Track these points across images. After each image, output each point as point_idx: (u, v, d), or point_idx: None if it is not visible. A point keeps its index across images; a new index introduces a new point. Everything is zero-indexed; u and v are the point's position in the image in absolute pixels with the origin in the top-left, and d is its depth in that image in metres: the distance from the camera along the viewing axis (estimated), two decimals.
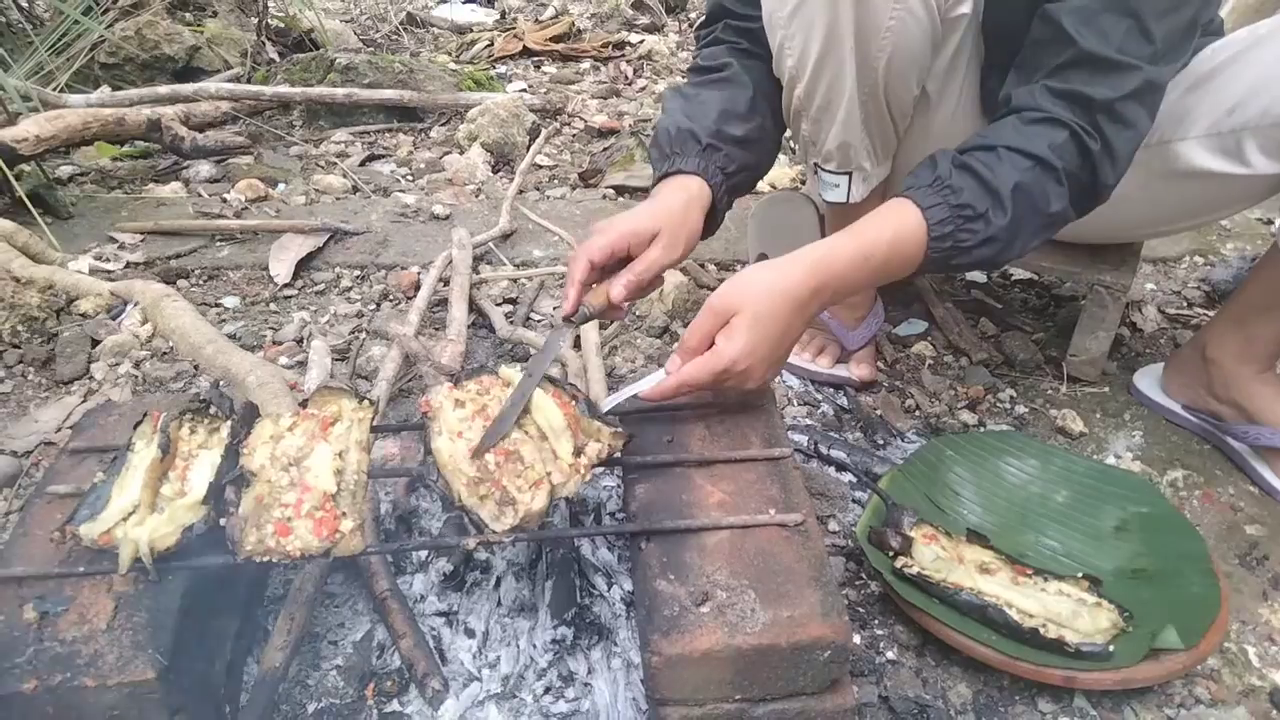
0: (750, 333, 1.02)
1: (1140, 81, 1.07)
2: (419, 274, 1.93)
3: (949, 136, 1.42)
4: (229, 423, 1.02)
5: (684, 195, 1.22)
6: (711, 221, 1.29)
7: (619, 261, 1.16)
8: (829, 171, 1.38)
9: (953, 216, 1.05)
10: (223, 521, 0.90)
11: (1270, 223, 2.21)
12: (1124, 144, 1.09)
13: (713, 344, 1.04)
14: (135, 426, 1.02)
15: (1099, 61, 1.06)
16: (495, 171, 2.61)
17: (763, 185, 2.43)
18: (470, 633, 1.08)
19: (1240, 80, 1.22)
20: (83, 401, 1.55)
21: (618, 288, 1.12)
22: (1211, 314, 1.78)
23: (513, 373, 1.06)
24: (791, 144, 2.70)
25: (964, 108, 1.38)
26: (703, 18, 1.48)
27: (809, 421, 1.51)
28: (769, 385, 1.10)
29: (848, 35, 1.18)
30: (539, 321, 1.81)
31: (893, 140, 1.37)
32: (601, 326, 1.68)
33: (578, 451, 0.99)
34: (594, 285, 1.14)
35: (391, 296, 1.90)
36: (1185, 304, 1.90)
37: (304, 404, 1.04)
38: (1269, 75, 1.20)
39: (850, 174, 1.37)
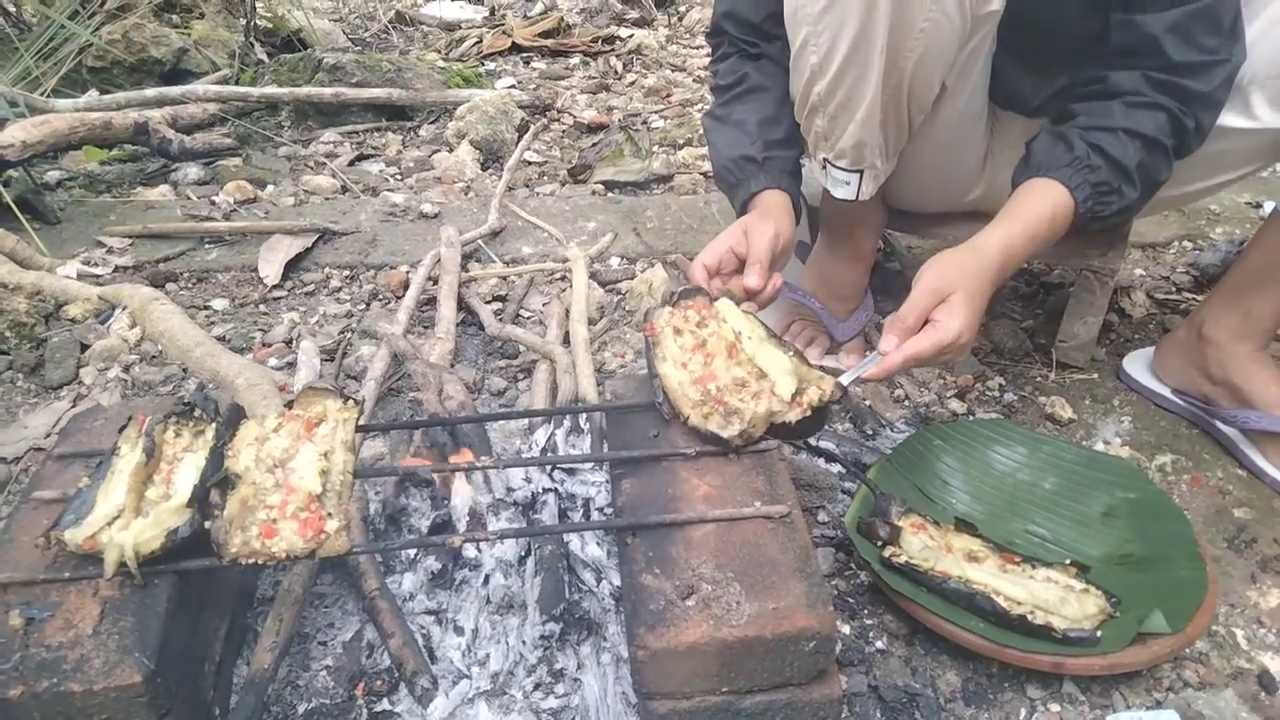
0: (967, 308, 1.12)
1: (1227, 71, 1.19)
2: (408, 273, 1.93)
3: (957, 127, 1.42)
4: (214, 425, 1.02)
5: (761, 208, 1.36)
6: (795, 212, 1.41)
7: (737, 270, 1.28)
8: (840, 169, 1.36)
9: (1094, 193, 1.20)
10: (208, 524, 0.90)
11: (1258, 206, 2.21)
12: (1211, 121, 1.23)
13: (926, 321, 1.13)
14: (120, 430, 1.02)
15: (1192, 65, 1.18)
16: (484, 169, 2.61)
17: None
18: (459, 630, 1.08)
19: (1247, 33, 1.23)
20: (72, 406, 1.55)
21: (751, 277, 1.24)
22: (1200, 298, 1.78)
23: (727, 305, 1.16)
24: None
25: (975, 97, 1.38)
26: (706, 30, 1.50)
27: None
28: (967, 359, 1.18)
29: (881, 35, 1.17)
30: (528, 318, 1.81)
31: (905, 138, 1.36)
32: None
33: (798, 394, 1.06)
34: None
35: (381, 296, 1.90)
36: (1174, 289, 1.90)
37: (289, 405, 1.04)
38: (1273, 28, 1.21)
39: (862, 172, 1.35)
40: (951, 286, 1.13)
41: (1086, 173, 1.19)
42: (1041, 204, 1.20)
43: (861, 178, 1.36)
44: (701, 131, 1.57)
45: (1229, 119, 1.26)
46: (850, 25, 1.17)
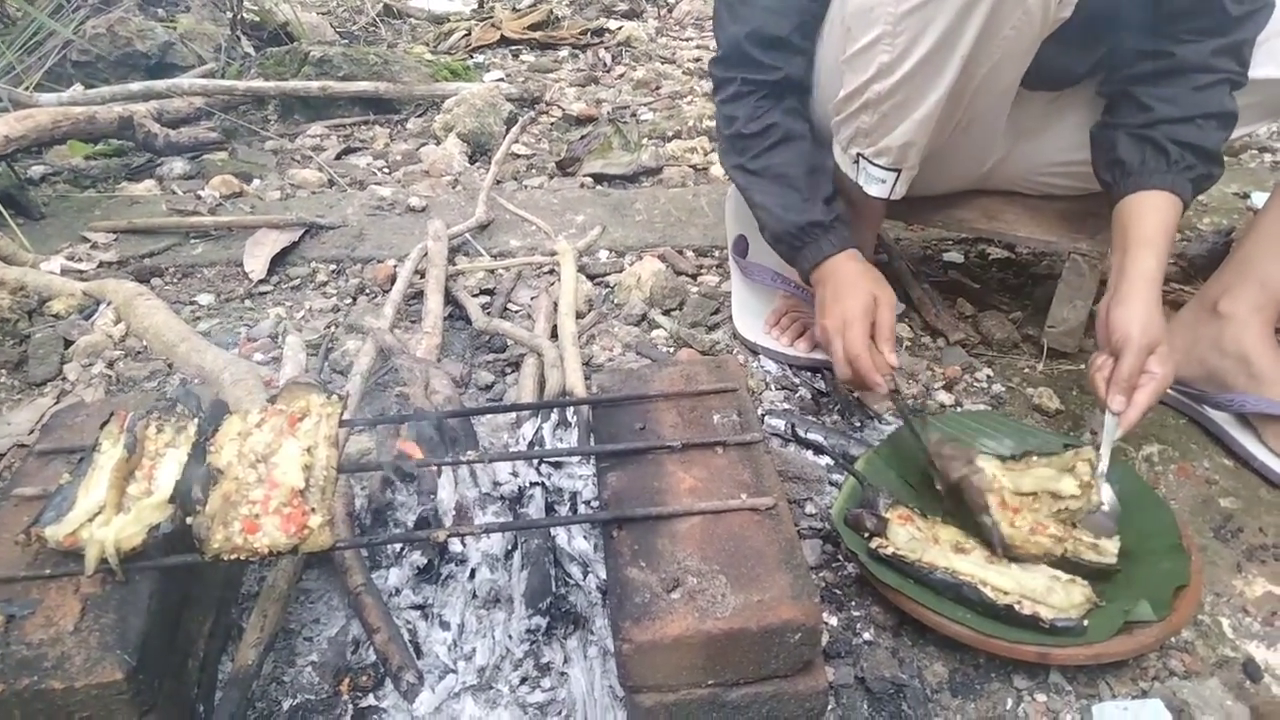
0: (1171, 355, 1.24)
1: (1270, 12, 1.28)
2: (395, 267, 1.92)
3: (986, 117, 1.43)
4: (196, 420, 1.02)
5: (863, 267, 1.43)
6: None
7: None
8: (878, 166, 1.35)
9: (1195, 187, 1.30)
10: (190, 520, 0.90)
11: (1246, 196, 2.22)
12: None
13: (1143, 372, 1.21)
14: (102, 426, 1.01)
15: (1244, 18, 1.26)
16: (472, 162, 2.60)
17: None
18: (445, 625, 1.08)
19: None
20: (56, 403, 1.54)
21: (891, 356, 1.35)
22: (1189, 289, 1.78)
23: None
24: None
25: (1011, 88, 1.39)
26: (719, 54, 1.48)
27: (786, 405, 1.51)
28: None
29: (968, 41, 1.16)
30: (516, 312, 1.80)
31: (943, 139, 1.36)
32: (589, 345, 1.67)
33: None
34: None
35: (367, 290, 1.89)
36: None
37: (272, 400, 1.04)
38: None
39: (900, 171, 1.35)
40: (1156, 340, 1.21)
41: (1186, 173, 1.28)
42: (1163, 217, 1.27)
43: (898, 177, 1.36)
44: (736, 186, 1.56)
45: (1256, 71, 1.31)
46: (937, 27, 1.15)
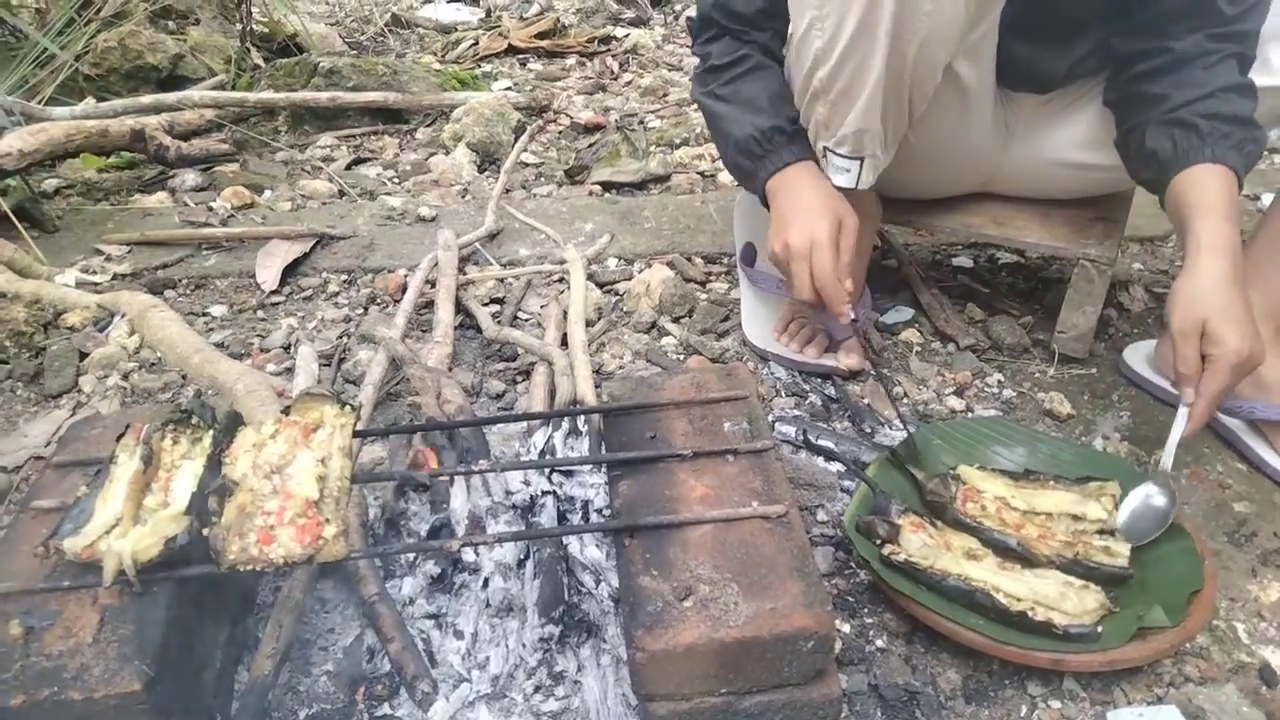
0: (1230, 327, 1.12)
1: (1268, 4, 1.26)
2: (405, 277, 1.93)
3: (966, 112, 1.44)
4: (211, 432, 1.02)
5: (817, 179, 1.38)
6: None
7: None
8: (841, 155, 1.37)
9: (1241, 156, 1.22)
10: (206, 531, 0.90)
11: (1256, 199, 2.21)
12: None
13: (1203, 358, 1.13)
14: (117, 439, 1.02)
15: (1243, 13, 1.24)
16: (481, 171, 2.61)
17: None
18: (459, 634, 1.08)
19: None
20: (72, 415, 1.55)
21: (845, 306, 1.31)
22: None
23: (968, 472, 1.26)
24: None
25: (984, 81, 1.39)
26: (693, 20, 1.50)
27: (797, 412, 1.51)
28: (1263, 347, 1.18)
29: (886, 17, 1.17)
30: (526, 321, 1.81)
31: (904, 127, 1.37)
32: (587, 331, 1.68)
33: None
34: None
35: (379, 300, 1.90)
36: (1171, 282, 1.89)
37: (286, 411, 1.04)
38: None
39: (862, 160, 1.36)
40: (1201, 317, 1.13)
41: (1225, 141, 1.21)
42: (1217, 186, 1.20)
43: (862, 165, 1.36)
44: (703, 113, 1.53)
45: (1253, 77, 1.29)
46: (855, 8, 1.17)
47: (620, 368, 1.64)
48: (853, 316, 1.31)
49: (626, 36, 3.82)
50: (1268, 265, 1.38)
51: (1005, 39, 1.36)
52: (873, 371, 1.56)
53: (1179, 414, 1.18)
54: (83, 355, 1.69)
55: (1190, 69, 1.25)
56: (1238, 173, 1.21)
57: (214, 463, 0.98)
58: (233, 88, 3.04)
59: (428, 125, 2.93)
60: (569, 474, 1.26)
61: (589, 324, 1.71)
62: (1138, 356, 1.58)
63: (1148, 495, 1.19)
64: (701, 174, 2.49)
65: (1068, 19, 1.31)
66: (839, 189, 1.40)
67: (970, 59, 1.34)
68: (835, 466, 1.38)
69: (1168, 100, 1.26)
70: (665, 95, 3.17)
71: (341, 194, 2.45)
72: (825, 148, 1.37)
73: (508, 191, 2.39)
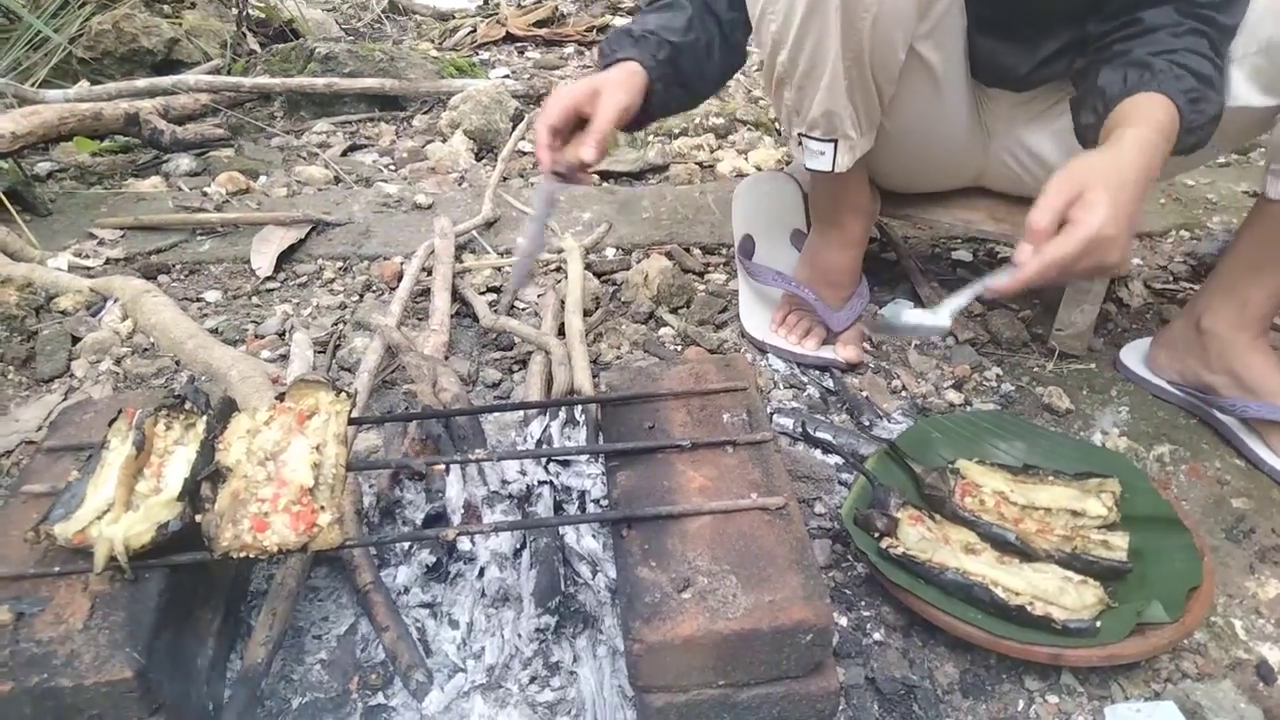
0: (1110, 200, 1.00)
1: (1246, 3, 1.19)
2: (402, 264, 1.92)
3: (938, 103, 1.43)
4: (205, 418, 1.01)
5: (620, 69, 1.31)
6: (647, 110, 1.35)
7: (577, 128, 1.27)
8: (814, 139, 1.37)
9: (1189, 100, 1.13)
10: (199, 518, 0.89)
11: (1255, 195, 2.20)
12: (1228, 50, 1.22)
13: (1064, 223, 1.02)
14: (110, 424, 1.01)
15: (1217, 2, 1.19)
16: (478, 159, 2.59)
17: (747, 166, 2.43)
18: (454, 624, 1.07)
19: None
20: (63, 400, 1.54)
21: (588, 149, 1.21)
22: (1198, 287, 1.77)
23: (967, 466, 1.26)
24: (776, 125, 2.68)
25: (953, 71, 1.38)
26: None
27: (795, 404, 1.50)
28: (1128, 263, 1.09)
29: None
30: (523, 310, 1.80)
31: (877, 110, 1.36)
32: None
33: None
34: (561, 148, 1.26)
35: (374, 287, 1.89)
36: (1171, 278, 1.89)
37: (280, 398, 1.03)
38: (1253, 2, 1.20)
39: (836, 142, 1.36)
40: (1086, 181, 1.02)
41: (1176, 81, 1.13)
42: (1157, 110, 1.12)
43: (836, 148, 1.36)
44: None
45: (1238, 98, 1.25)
46: None
47: (617, 358, 1.63)
48: (549, 169, 1.25)
49: None
50: (1244, 283, 1.38)
51: (973, 31, 1.36)
52: (870, 362, 1.55)
53: (998, 272, 1.05)
54: (75, 340, 1.68)
55: (1158, 34, 1.19)
56: (1183, 116, 1.13)
57: (207, 449, 0.97)
58: (228, 72, 3.01)
59: (425, 112, 2.91)
60: (565, 464, 1.25)
61: (586, 313, 1.70)
62: (1134, 356, 1.57)
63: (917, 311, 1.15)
64: (700, 164, 2.48)
65: (1038, 15, 1.30)
66: (817, 172, 1.41)
67: (932, 41, 1.34)
68: (833, 459, 1.38)
69: (1130, 52, 1.20)
70: None
71: (337, 180, 2.43)
72: (800, 134, 1.38)
73: (505, 179, 2.37)
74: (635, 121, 1.37)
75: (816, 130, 1.35)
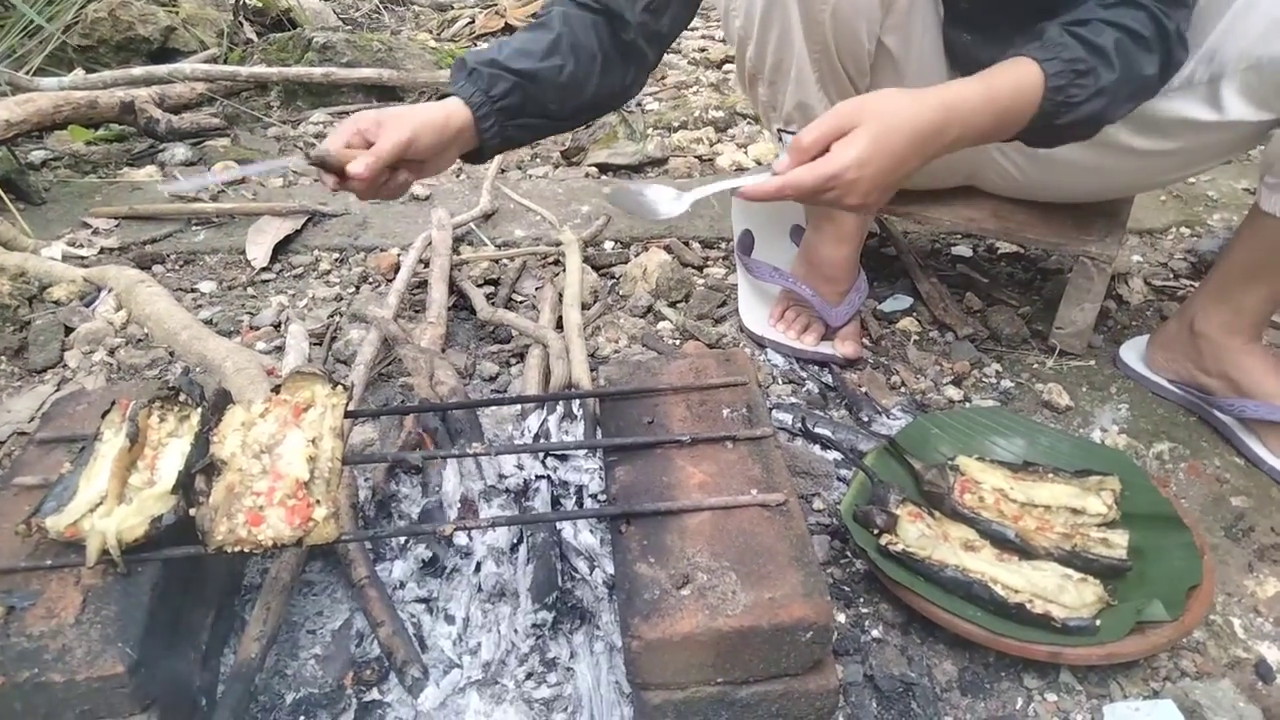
0: (868, 145, 0.99)
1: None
2: (398, 256, 1.90)
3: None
4: (199, 410, 1.00)
5: (437, 106, 1.20)
6: (480, 146, 1.26)
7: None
8: (792, 133, 1.35)
9: (1066, 70, 1.07)
10: (193, 511, 0.88)
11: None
12: (1187, 24, 1.13)
13: (826, 150, 1.01)
14: (103, 415, 1.00)
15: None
16: None
17: (747, 160, 2.41)
18: (450, 619, 1.07)
19: (1217, 25, 1.21)
20: (56, 390, 1.53)
21: (357, 164, 1.11)
22: (1198, 285, 1.76)
23: (967, 462, 1.25)
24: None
25: (929, 62, 1.37)
26: None
27: (794, 400, 1.50)
28: (871, 210, 1.07)
29: None
30: (521, 303, 1.79)
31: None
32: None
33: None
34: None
35: (371, 279, 1.87)
36: (1171, 275, 1.88)
37: (276, 390, 1.02)
38: (1244, 18, 1.19)
39: None
40: (858, 118, 1.00)
41: (1059, 49, 1.07)
42: (1005, 72, 1.08)
43: None
44: None
45: (1200, 112, 1.25)
46: None
47: (616, 352, 1.62)
48: (318, 150, 1.14)
49: None
50: (1238, 289, 1.37)
51: (947, 25, 1.35)
52: (869, 358, 1.54)
53: (754, 174, 1.04)
54: (68, 330, 1.67)
55: (1089, 4, 1.13)
56: (1048, 83, 1.07)
57: (202, 441, 0.95)
58: (225, 61, 2.99)
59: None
60: (563, 458, 1.25)
61: (584, 307, 1.69)
62: (1133, 354, 1.57)
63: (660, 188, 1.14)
64: (699, 158, 2.47)
65: (1011, 8, 1.28)
66: None
67: (899, 34, 1.33)
68: (832, 455, 1.37)
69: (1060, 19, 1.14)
70: (663, 78, 3.13)
71: None
72: (779, 130, 1.39)
73: (503, 171, 2.36)
74: (476, 154, 1.28)
75: (793, 124, 1.36)
